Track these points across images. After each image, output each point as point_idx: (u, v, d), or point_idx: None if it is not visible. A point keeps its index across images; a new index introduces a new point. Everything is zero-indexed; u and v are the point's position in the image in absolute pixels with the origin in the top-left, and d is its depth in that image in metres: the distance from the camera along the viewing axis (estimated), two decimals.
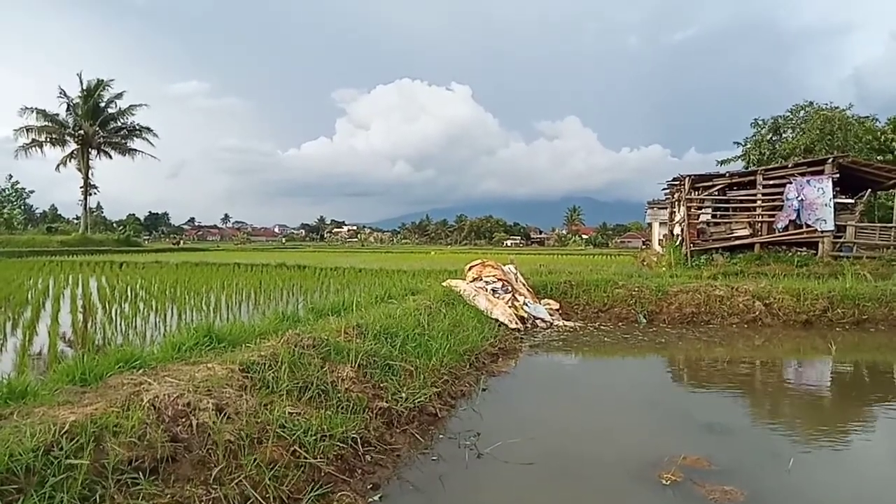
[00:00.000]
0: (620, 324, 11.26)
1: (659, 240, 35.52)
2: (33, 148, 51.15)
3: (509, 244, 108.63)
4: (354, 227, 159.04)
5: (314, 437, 3.74)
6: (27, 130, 50.66)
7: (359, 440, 4.06)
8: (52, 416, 3.01)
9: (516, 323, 10.25)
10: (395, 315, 7.40)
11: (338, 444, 3.87)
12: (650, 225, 47.45)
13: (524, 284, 12.40)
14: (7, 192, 76.15)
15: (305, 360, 4.86)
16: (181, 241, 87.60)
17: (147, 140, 55.12)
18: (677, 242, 22.71)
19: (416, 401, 5.12)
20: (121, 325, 9.35)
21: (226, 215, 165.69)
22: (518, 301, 11.22)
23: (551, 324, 10.97)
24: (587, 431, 5.33)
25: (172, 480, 2.96)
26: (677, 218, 23.98)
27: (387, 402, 4.94)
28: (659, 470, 4.11)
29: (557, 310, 11.84)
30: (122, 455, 2.88)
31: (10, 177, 76.81)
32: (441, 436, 4.86)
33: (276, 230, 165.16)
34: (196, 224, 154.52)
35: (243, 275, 17.50)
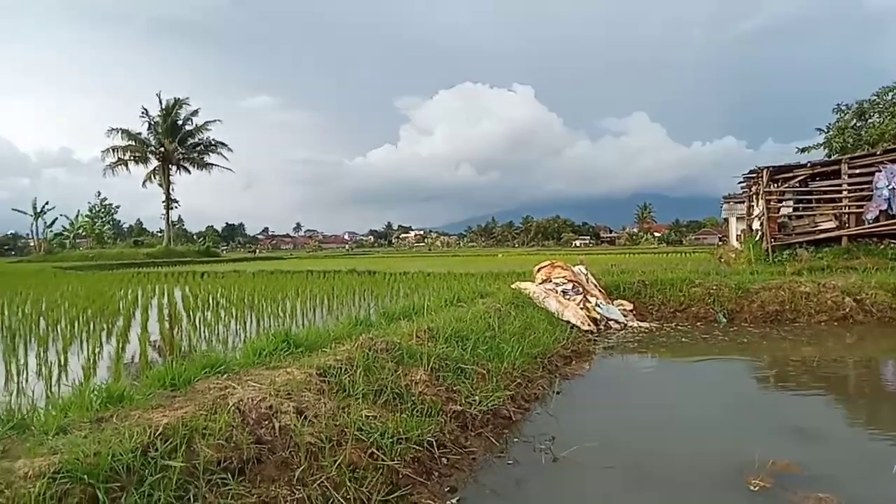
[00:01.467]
0: (699, 324, 10.86)
1: (737, 235, 34.04)
2: (120, 166, 54.58)
3: (578, 244, 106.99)
4: (421, 232, 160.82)
5: (391, 440, 3.79)
6: (114, 150, 54.13)
7: (434, 443, 4.09)
8: (147, 419, 3.19)
9: (589, 325, 10.07)
10: (465, 318, 7.42)
11: (414, 446, 3.91)
12: (726, 220, 45.52)
13: (595, 285, 12.17)
14: (97, 209, 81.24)
15: (379, 364, 4.94)
16: (257, 251, 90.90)
17: (222, 154, 57.86)
18: (757, 238, 21.69)
19: (489, 404, 5.11)
20: (204, 332, 9.79)
21: (298, 224, 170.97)
22: (590, 302, 11.02)
23: (625, 325, 10.71)
24: (668, 435, 5.15)
25: (258, 481, 3.08)
26: (756, 212, 22.90)
27: (460, 405, 4.95)
28: (746, 475, 3.92)
29: (631, 310, 11.55)
30: (212, 456, 3.01)
31: (99, 193, 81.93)
32: (516, 439, 4.83)
33: (346, 237, 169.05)
34: (270, 234, 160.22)
35: (316, 281, 17.98)
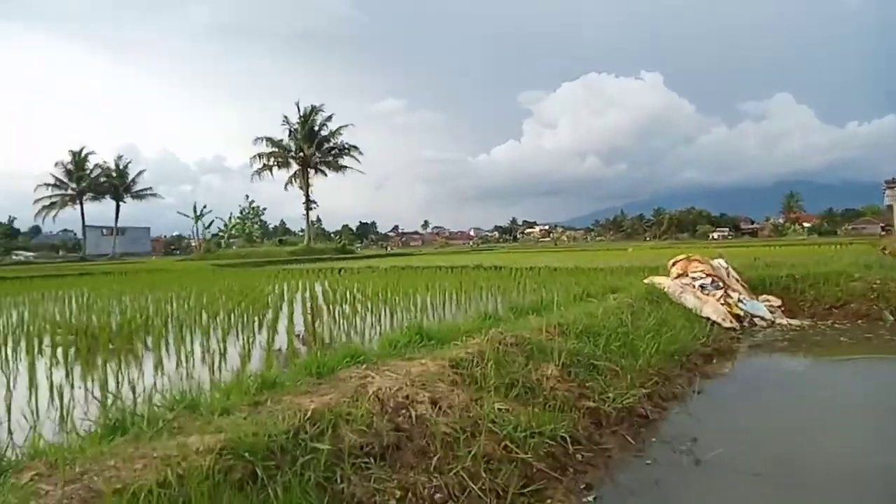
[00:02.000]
0: (860, 322, 9.80)
1: None
2: (265, 171, 59.18)
3: (716, 237, 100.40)
4: (546, 227, 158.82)
5: (524, 434, 3.80)
6: (260, 156, 58.77)
7: (568, 439, 4.04)
8: (296, 404, 3.43)
9: (731, 321, 9.44)
10: (596, 314, 7.24)
11: (547, 441, 3.89)
12: (890, 207, 40.73)
13: (737, 279, 11.38)
14: (247, 211, 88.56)
15: (510, 358, 4.96)
16: (388, 247, 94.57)
17: (355, 157, 60.88)
18: None
19: (624, 401, 4.96)
20: (343, 324, 10.33)
21: (426, 222, 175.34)
22: (731, 298, 10.32)
23: (772, 322, 9.92)
24: (822, 441, 4.71)
25: (398, 467, 3.21)
26: None
27: (593, 401, 4.85)
28: None
29: (779, 307, 10.67)
30: (355, 441, 3.18)
31: (248, 197, 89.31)
32: (654, 439, 4.64)
33: (472, 233, 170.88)
34: (400, 231, 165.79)
35: (445, 277, 18.35)
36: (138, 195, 73.43)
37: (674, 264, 11.98)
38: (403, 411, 3.67)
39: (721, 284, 10.67)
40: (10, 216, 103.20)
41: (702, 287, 10.51)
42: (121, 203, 72.57)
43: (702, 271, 11.12)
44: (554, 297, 8.76)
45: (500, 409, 4.04)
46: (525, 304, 8.11)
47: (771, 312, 10.26)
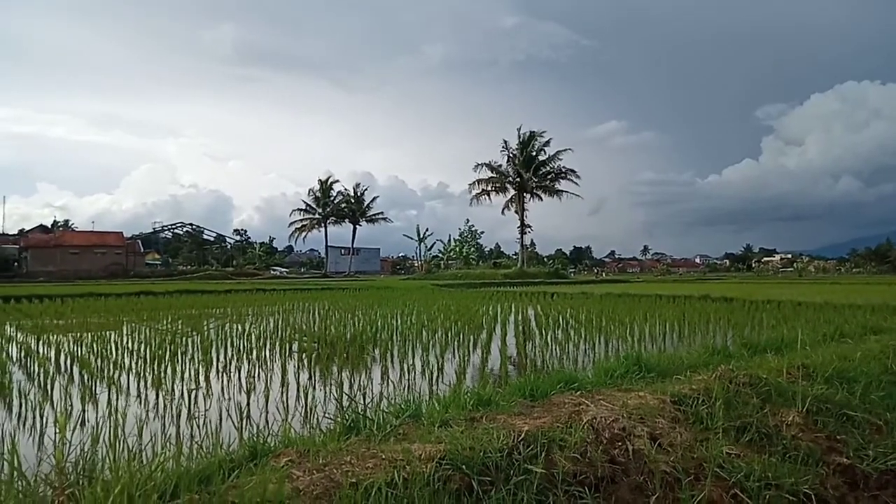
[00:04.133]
0: None
1: None
2: (483, 196, 61.88)
3: None
4: (789, 256, 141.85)
5: (757, 484, 3.39)
6: (479, 182, 61.63)
7: (813, 497, 3.51)
8: (510, 424, 3.48)
9: None
10: (852, 357, 6.23)
11: (786, 495, 3.42)
12: None
13: None
14: (465, 234, 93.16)
15: (742, 399, 4.49)
16: (601, 273, 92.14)
17: (572, 181, 60.94)
18: None
19: (889, 462, 4.18)
20: (555, 349, 10.27)
21: (645, 247, 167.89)
22: None
23: None
24: None
25: (613, 500, 3.07)
26: None
27: (847, 457, 4.16)
28: None
29: None
30: (568, 468, 3.12)
31: (467, 221, 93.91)
32: None
33: (697, 260, 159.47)
34: (616, 256, 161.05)
35: (665, 306, 17.32)
36: (372, 219, 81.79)
37: None
38: (619, 444, 3.51)
39: None
40: (269, 236, 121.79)
41: None
42: (357, 226, 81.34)
43: None
44: (798, 334, 7.77)
45: (728, 454, 3.66)
46: (762, 341, 7.32)
47: None
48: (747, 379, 4.83)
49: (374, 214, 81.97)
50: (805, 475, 3.64)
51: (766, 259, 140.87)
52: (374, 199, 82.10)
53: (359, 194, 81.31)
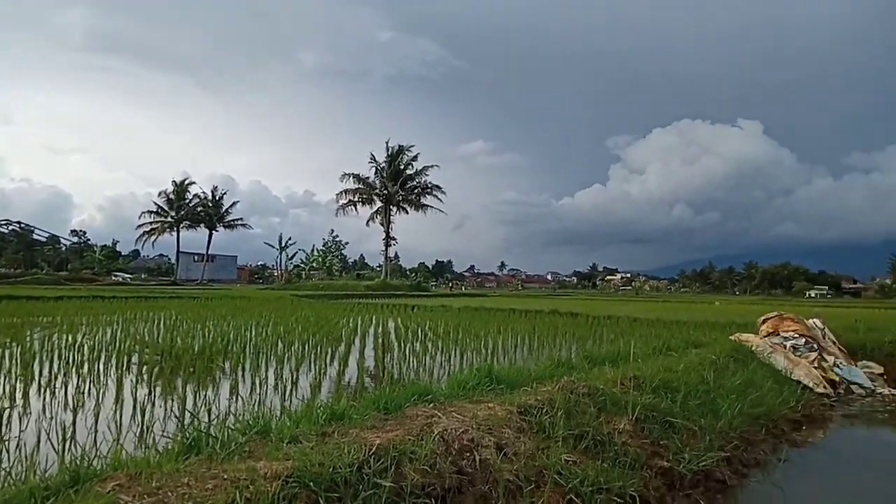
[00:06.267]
0: None
1: None
2: (349, 207, 61.36)
3: (813, 295, 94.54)
4: (628, 275, 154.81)
5: (591, 489, 3.65)
6: (346, 192, 61.05)
7: (637, 499, 3.84)
8: (362, 438, 3.46)
9: (824, 387, 8.79)
10: (676, 368, 6.92)
11: (615, 498, 3.71)
12: None
13: (834, 342, 10.63)
14: (330, 245, 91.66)
15: (581, 409, 4.81)
16: (453, 287, 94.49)
17: (437, 196, 62.24)
18: None
19: (700, 464, 4.68)
20: (412, 361, 10.38)
21: (502, 263, 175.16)
22: (826, 361, 9.63)
23: (872, 391, 9.16)
24: None
25: None
26: None
27: (667, 461, 4.60)
28: None
29: (881, 375, 9.86)
30: (417, 480, 3.16)
31: (332, 231, 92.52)
32: None
33: (549, 277, 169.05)
34: (475, 271, 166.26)
35: (518, 320, 18.15)
36: (230, 224, 77.68)
37: (764, 321, 11.35)
38: (468, 454, 3.62)
39: (815, 346, 9.99)
40: (113, 239, 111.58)
41: (794, 348, 9.88)
42: (213, 231, 76.90)
43: (795, 331, 10.47)
44: (631, 348, 8.49)
45: (567, 461, 3.91)
46: (601, 354, 7.89)
47: (871, 380, 9.49)
48: (587, 389, 5.19)
49: (233, 220, 77.96)
50: (632, 479, 3.98)
51: (608, 277, 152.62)
52: (234, 203, 78.19)
53: (217, 198, 76.90)
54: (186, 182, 74.91)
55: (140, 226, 73.78)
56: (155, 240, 74.92)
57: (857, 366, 9.96)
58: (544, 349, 12.40)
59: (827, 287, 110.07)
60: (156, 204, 74.75)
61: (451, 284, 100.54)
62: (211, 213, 76.15)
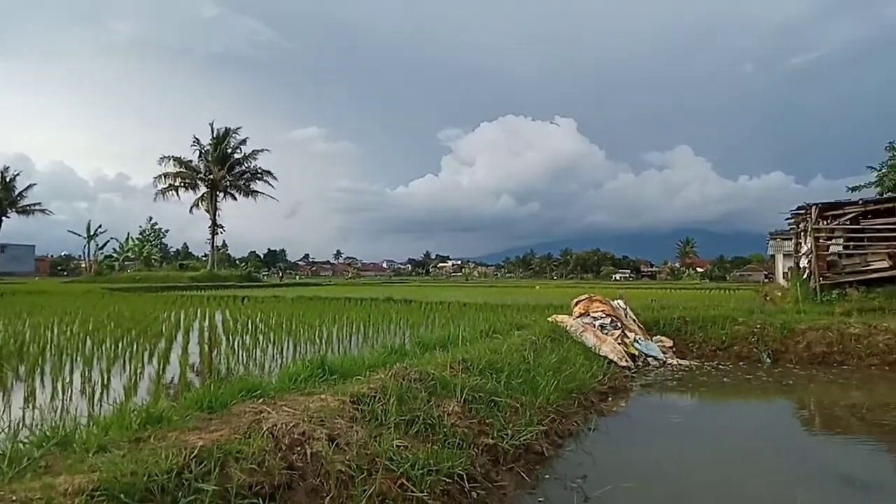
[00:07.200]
0: (741, 363, 10.54)
1: (783, 273, 33.02)
2: (170, 192, 56.55)
3: (618, 278, 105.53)
4: (459, 262, 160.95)
5: (421, 471, 3.77)
6: (165, 176, 56.16)
7: (465, 476, 4.04)
8: (183, 441, 3.24)
9: (626, 361, 9.87)
10: (501, 350, 7.37)
11: (444, 479, 3.87)
12: (773, 257, 44.27)
13: (634, 320, 11.96)
14: (147, 233, 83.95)
15: (412, 394, 4.93)
16: (283, 276, 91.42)
17: (268, 182, 59.47)
18: (804, 276, 21.02)
19: (522, 438, 5.04)
20: (242, 356, 9.94)
21: (338, 251, 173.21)
22: (628, 338, 10.82)
23: (664, 362, 10.46)
24: (706, 480, 4.98)
25: None
26: (804, 250, 22.23)
27: (492, 438, 4.89)
28: None
29: (671, 347, 11.29)
30: (244, 480, 3.04)
31: (150, 218, 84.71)
32: (547, 476, 4.74)
33: (384, 265, 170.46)
34: (310, 260, 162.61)
35: (353, 309, 18.12)
36: (25, 210, 67.92)
37: (576, 304, 12.44)
38: (298, 448, 3.55)
39: (619, 325, 11.17)
40: None
41: (602, 327, 10.95)
42: (4, 217, 66.88)
43: (602, 311, 11.61)
44: (461, 332, 8.85)
45: (398, 446, 3.99)
46: (433, 339, 8.13)
47: (663, 353, 10.83)
48: (418, 375, 5.33)
49: (29, 205, 68.08)
50: (460, 458, 4.17)
51: (441, 264, 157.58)
52: (30, 186, 68.28)
53: (7, 180, 66.74)
54: None
55: None
56: None
57: (652, 340, 11.32)
58: (379, 336, 12.52)
59: (629, 271, 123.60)
60: None
61: (281, 274, 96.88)
62: (0, 196, 66.06)
